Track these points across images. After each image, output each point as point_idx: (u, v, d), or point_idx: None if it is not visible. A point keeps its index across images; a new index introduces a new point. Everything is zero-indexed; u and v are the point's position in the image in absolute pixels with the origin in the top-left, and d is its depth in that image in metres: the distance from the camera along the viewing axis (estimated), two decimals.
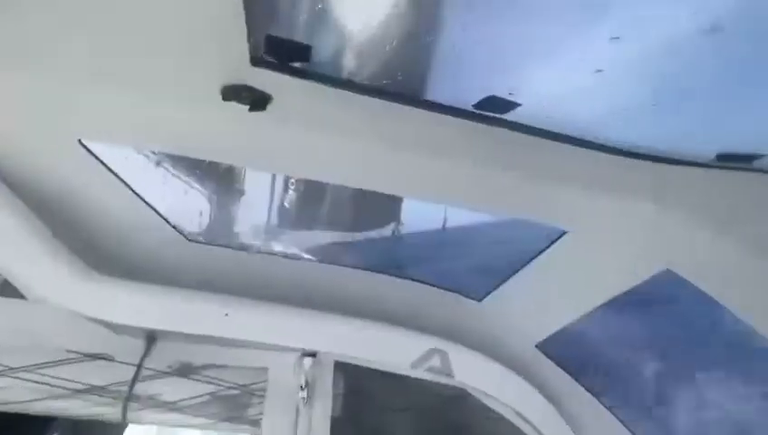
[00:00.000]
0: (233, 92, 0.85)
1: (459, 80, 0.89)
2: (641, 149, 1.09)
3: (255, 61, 0.70)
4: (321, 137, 0.86)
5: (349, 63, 0.81)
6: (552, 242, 1.37)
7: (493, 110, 0.78)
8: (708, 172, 1.04)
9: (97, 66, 0.82)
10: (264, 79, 0.83)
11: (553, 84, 0.90)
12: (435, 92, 0.90)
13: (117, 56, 0.78)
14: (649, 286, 1.20)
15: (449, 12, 0.76)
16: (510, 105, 0.77)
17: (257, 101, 0.87)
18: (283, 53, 0.71)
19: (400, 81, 0.85)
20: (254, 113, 0.89)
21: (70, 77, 0.86)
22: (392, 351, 1.28)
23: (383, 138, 0.93)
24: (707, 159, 0.88)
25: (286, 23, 0.69)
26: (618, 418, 1.51)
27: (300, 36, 0.70)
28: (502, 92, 0.74)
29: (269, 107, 0.88)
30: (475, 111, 0.86)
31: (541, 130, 0.96)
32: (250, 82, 0.83)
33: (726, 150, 0.85)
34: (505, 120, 0.92)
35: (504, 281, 1.49)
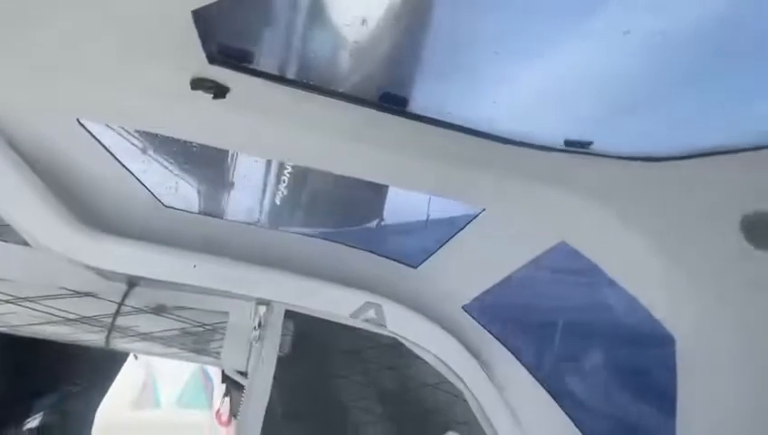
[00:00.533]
0: (199, 83, 1.10)
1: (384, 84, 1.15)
2: (536, 140, 1.36)
3: (212, 61, 0.95)
4: (265, 121, 1.12)
5: (288, 65, 1.06)
6: (473, 218, 1.65)
7: (392, 103, 1.03)
8: (587, 159, 1.31)
9: (93, 66, 1.06)
10: (224, 75, 1.08)
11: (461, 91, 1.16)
12: (365, 91, 1.15)
13: (111, 62, 1.02)
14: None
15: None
16: (403, 101, 1.03)
17: (218, 91, 1.12)
18: (232, 56, 0.95)
19: (329, 79, 1.11)
20: (216, 101, 1.14)
21: (70, 72, 1.10)
22: (334, 303, 1.54)
23: (315, 125, 1.19)
24: (558, 144, 1.15)
25: (233, 33, 0.94)
26: (529, 370, 1.79)
27: (245, 43, 0.95)
28: (396, 91, 1.00)
29: (228, 96, 1.13)
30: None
31: (461, 126, 1.22)
32: (212, 77, 1.08)
33: (571, 138, 1.12)
34: (429, 118, 1.18)
35: (435, 251, 1.76)
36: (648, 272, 1.34)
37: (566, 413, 1.66)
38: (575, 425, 1.66)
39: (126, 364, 3.03)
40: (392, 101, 1.03)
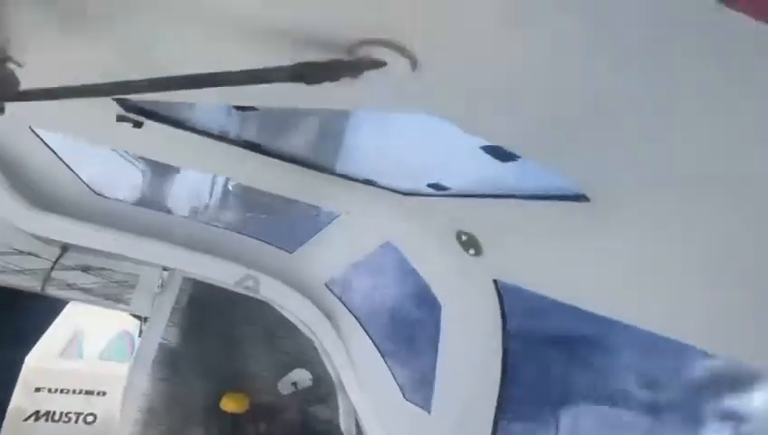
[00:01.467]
0: (121, 119, 1.66)
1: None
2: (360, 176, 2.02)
3: (127, 110, 1.53)
4: (167, 144, 1.70)
5: (179, 117, 1.65)
6: (333, 219, 2.30)
7: (251, 146, 1.66)
8: (376, 189, 1.98)
9: None
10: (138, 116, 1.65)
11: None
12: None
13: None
14: None
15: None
16: (258, 145, 1.65)
17: (136, 124, 1.69)
18: (139, 110, 1.53)
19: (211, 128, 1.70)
20: (135, 129, 1.70)
21: None
22: (221, 273, 2.14)
23: (202, 150, 1.78)
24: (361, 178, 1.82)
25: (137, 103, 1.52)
26: (366, 332, 2.48)
27: (148, 106, 1.53)
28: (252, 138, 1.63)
29: (143, 127, 1.70)
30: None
31: (305, 162, 1.86)
32: (130, 116, 1.64)
33: (369, 177, 1.79)
34: (280, 154, 1.81)
35: (306, 242, 2.40)
36: (432, 260, 2.05)
37: (386, 363, 2.37)
38: (392, 374, 2.37)
39: (58, 322, 3.45)
40: (250, 144, 1.65)
